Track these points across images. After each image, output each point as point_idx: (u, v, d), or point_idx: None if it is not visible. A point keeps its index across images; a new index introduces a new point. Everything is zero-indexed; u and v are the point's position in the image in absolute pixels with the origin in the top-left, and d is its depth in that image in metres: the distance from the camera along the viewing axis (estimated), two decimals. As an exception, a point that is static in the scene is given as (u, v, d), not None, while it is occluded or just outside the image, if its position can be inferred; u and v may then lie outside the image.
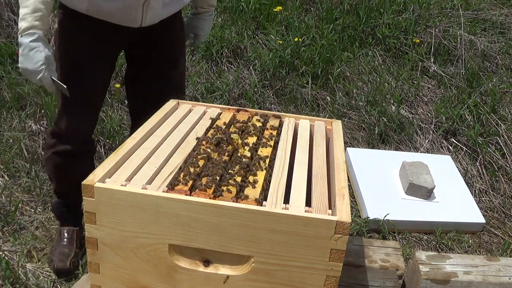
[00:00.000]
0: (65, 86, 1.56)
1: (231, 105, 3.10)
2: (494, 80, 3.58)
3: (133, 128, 1.97)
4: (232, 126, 1.38)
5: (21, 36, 1.50)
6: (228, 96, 3.22)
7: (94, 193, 1.00)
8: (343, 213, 0.97)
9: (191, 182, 1.06)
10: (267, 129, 1.38)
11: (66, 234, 2.03)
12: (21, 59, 1.52)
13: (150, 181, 1.05)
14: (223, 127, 1.37)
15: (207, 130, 1.34)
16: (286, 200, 1.03)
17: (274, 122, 1.44)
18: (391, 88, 3.48)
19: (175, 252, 1.04)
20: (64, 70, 1.66)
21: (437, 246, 2.48)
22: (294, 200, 1.03)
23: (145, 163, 1.13)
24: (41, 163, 2.45)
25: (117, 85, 3.02)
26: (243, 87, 3.31)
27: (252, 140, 1.29)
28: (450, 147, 3.21)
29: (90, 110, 1.80)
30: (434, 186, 2.61)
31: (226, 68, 3.46)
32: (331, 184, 1.15)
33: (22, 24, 1.49)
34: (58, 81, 1.56)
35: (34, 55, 1.49)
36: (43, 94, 2.84)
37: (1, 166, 2.51)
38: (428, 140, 3.23)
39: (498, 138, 3.17)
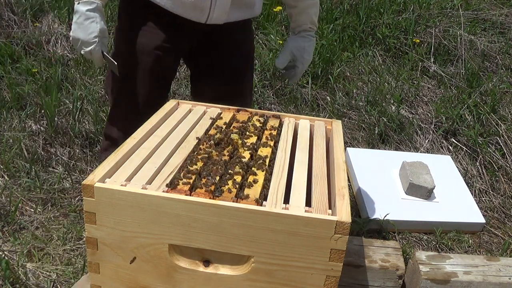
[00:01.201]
0: (115, 63, 1.50)
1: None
2: (494, 80, 3.58)
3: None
4: (232, 126, 1.38)
5: (78, 3, 1.44)
6: (228, 96, 3.22)
7: (94, 193, 1.00)
8: (343, 213, 0.97)
9: (191, 182, 1.06)
10: (267, 129, 1.38)
11: None
12: (74, 27, 1.45)
13: (150, 181, 1.05)
14: (223, 127, 1.37)
15: (207, 130, 1.34)
16: (286, 200, 1.03)
17: (274, 122, 1.44)
18: (391, 88, 3.48)
19: (175, 252, 1.04)
20: (125, 68, 1.60)
21: (437, 246, 2.48)
22: (294, 200, 1.03)
23: (145, 163, 1.13)
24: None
25: None
26: (243, 87, 3.31)
27: (252, 140, 1.29)
28: (450, 147, 3.21)
29: (143, 116, 1.71)
30: (434, 186, 2.61)
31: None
32: (331, 184, 1.15)
33: None
34: (109, 57, 1.49)
35: (89, 25, 1.42)
36: (43, 94, 2.85)
37: (1, 166, 2.51)
38: (428, 140, 3.23)
39: (498, 138, 3.17)
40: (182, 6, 1.53)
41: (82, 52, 1.48)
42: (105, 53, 1.48)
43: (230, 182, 1.07)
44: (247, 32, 1.77)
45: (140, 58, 1.62)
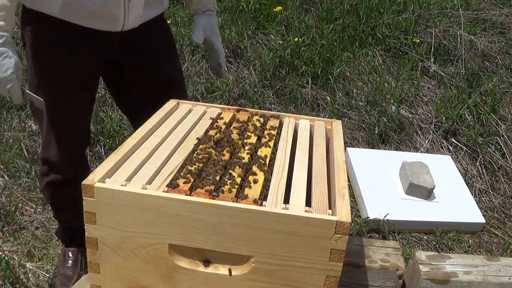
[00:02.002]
0: (41, 100, 1.38)
1: (231, 105, 3.10)
2: (494, 80, 3.58)
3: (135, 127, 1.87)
4: (232, 126, 1.38)
5: None
6: (228, 96, 3.22)
7: (94, 193, 1.00)
8: (343, 213, 0.97)
9: (191, 182, 1.06)
10: (267, 129, 1.38)
11: (70, 255, 1.94)
12: None
13: (150, 181, 1.05)
14: (223, 127, 1.37)
15: (207, 130, 1.34)
16: (286, 200, 1.03)
17: (274, 122, 1.44)
18: (391, 88, 3.48)
19: (175, 252, 1.04)
20: (45, 90, 1.47)
21: (437, 246, 2.48)
22: (294, 200, 1.03)
23: (145, 163, 1.13)
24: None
25: None
26: (243, 87, 3.31)
27: (252, 140, 1.29)
28: (450, 147, 3.21)
29: (77, 132, 1.63)
30: (434, 186, 2.61)
31: (226, 68, 3.46)
32: (331, 184, 1.15)
33: None
34: (30, 93, 1.37)
35: (2, 61, 1.28)
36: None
37: (1, 166, 2.51)
38: (428, 140, 3.23)
39: (498, 138, 3.17)
40: (94, 18, 1.44)
41: (0, 92, 1.33)
42: (26, 90, 1.36)
43: (230, 182, 1.07)
44: (160, 22, 1.72)
45: (65, 85, 1.52)
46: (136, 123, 1.79)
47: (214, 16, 1.87)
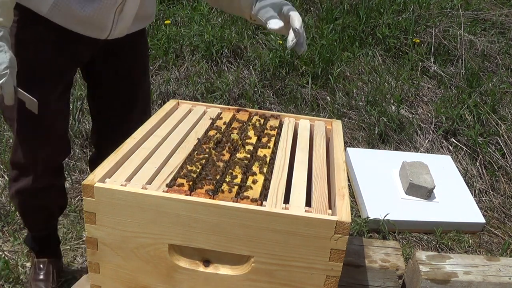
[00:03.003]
0: (34, 100, 1.28)
1: (231, 105, 3.10)
2: (494, 80, 3.58)
3: (97, 154, 1.80)
4: (232, 126, 1.38)
5: None
6: (228, 96, 3.22)
7: (94, 193, 1.00)
8: (343, 213, 0.97)
9: (191, 182, 1.06)
10: (267, 129, 1.38)
11: (42, 266, 1.88)
12: None
13: (150, 181, 1.05)
14: (223, 127, 1.37)
15: (207, 130, 1.34)
16: (286, 200, 1.03)
17: (274, 122, 1.44)
18: (391, 88, 3.48)
19: (175, 252, 1.04)
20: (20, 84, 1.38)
21: (437, 246, 2.48)
22: (294, 200, 1.03)
23: (145, 163, 1.13)
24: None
25: None
26: (243, 87, 3.31)
27: (252, 140, 1.29)
28: (450, 147, 3.21)
29: (53, 135, 1.55)
30: (434, 186, 2.61)
31: (226, 68, 3.46)
32: (331, 184, 1.15)
33: None
34: (24, 92, 1.28)
35: None
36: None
37: (1, 166, 2.51)
38: (428, 140, 3.23)
39: (498, 138, 3.17)
40: (81, 25, 1.41)
41: None
42: (18, 89, 1.27)
43: (230, 182, 1.07)
44: (143, 35, 1.70)
45: (43, 83, 1.46)
46: (97, 130, 1.78)
47: None
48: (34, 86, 1.40)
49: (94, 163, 1.74)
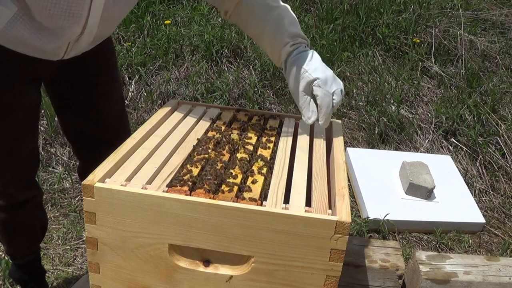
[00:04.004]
0: None
1: (231, 105, 3.10)
2: (494, 80, 3.58)
3: (82, 168, 1.71)
4: (232, 126, 1.38)
5: None
6: (228, 96, 3.22)
7: (94, 193, 1.00)
8: (343, 213, 0.97)
9: (191, 182, 1.06)
10: (267, 129, 1.38)
11: None
12: None
13: (150, 181, 1.05)
14: (223, 127, 1.37)
15: (207, 130, 1.34)
16: (286, 200, 1.03)
17: (274, 122, 1.44)
18: (391, 88, 3.48)
19: (175, 252, 1.04)
20: None
21: (437, 246, 2.48)
22: (294, 200, 1.03)
23: (145, 163, 1.13)
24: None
25: None
26: (243, 87, 3.31)
27: (252, 140, 1.29)
28: (450, 147, 3.21)
29: (20, 155, 1.48)
30: (434, 186, 2.61)
31: (226, 68, 3.46)
32: (331, 184, 1.15)
33: None
34: None
35: None
36: (42, 94, 2.84)
37: None
38: (428, 140, 3.23)
39: (498, 138, 3.17)
40: (32, 49, 1.30)
41: None
42: None
43: (230, 182, 1.07)
44: (108, 43, 1.55)
45: (8, 108, 1.37)
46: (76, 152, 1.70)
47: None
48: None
49: (82, 176, 1.67)
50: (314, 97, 1.26)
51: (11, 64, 1.32)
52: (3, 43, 1.27)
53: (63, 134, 1.71)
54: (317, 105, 1.26)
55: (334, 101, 1.22)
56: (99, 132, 1.59)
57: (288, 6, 1.38)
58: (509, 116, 3.34)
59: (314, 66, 1.24)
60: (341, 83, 1.26)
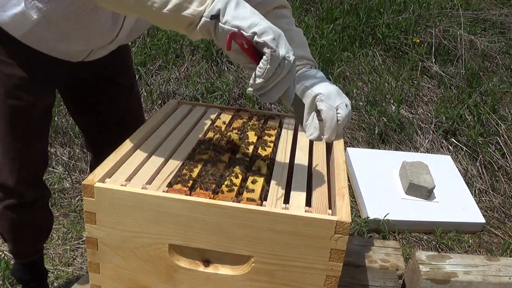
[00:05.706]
0: None
1: (231, 105, 3.10)
2: (494, 80, 3.58)
3: (96, 162, 1.67)
4: (232, 126, 1.38)
5: None
6: (228, 96, 3.22)
7: (94, 193, 1.00)
8: (343, 213, 0.97)
9: (191, 182, 1.06)
10: (267, 129, 1.38)
11: None
12: None
13: (150, 181, 1.05)
14: (223, 127, 1.37)
15: (207, 130, 1.34)
16: (286, 200, 1.03)
17: (274, 122, 1.44)
18: (391, 88, 3.48)
19: (175, 252, 1.04)
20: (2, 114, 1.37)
21: (437, 246, 2.48)
22: (294, 200, 1.03)
23: (145, 163, 1.13)
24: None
25: None
26: (243, 87, 3.31)
27: (252, 140, 1.29)
28: (450, 147, 3.21)
29: (33, 154, 1.50)
30: (434, 186, 2.61)
31: (226, 68, 3.46)
32: (331, 184, 1.15)
33: None
34: None
35: None
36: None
37: None
38: (428, 140, 3.23)
39: (498, 138, 3.17)
40: (55, 51, 1.36)
41: None
42: None
43: (230, 182, 1.07)
44: (126, 51, 1.62)
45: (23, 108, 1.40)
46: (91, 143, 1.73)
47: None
48: (14, 111, 1.38)
49: (93, 168, 1.69)
50: (319, 113, 1.19)
51: (29, 64, 1.36)
52: (28, 43, 1.32)
53: (80, 131, 1.77)
54: (321, 120, 1.19)
55: (339, 115, 1.16)
56: (118, 127, 1.61)
57: (301, 30, 1.40)
58: (509, 116, 3.34)
59: (316, 82, 1.21)
60: (347, 98, 1.21)
